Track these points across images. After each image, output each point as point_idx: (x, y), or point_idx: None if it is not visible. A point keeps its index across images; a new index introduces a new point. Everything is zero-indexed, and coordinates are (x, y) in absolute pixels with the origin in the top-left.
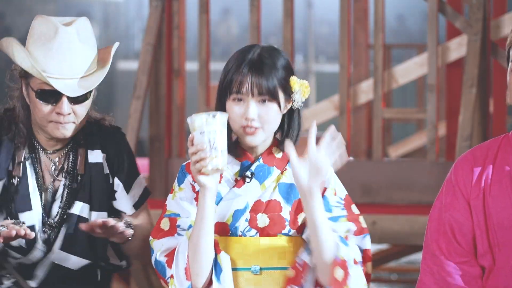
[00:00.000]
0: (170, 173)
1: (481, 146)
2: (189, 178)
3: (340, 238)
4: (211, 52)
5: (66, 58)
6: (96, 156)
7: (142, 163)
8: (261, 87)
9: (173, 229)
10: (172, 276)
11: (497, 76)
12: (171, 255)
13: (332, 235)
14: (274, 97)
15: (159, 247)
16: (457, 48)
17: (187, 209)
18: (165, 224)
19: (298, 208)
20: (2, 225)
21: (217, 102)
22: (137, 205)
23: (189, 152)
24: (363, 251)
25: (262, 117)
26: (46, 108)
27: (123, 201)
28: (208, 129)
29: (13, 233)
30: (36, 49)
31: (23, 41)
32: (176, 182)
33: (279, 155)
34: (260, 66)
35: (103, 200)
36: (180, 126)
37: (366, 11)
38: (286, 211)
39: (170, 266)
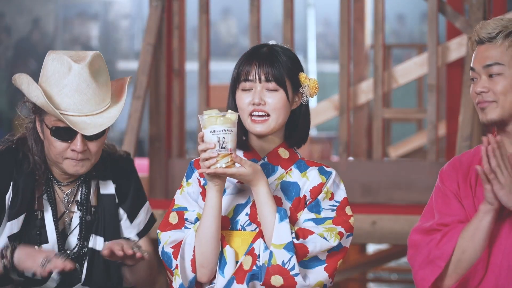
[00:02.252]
0: (170, 173)
1: (468, 152)
2: (196, 174)
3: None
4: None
5: (80, 95)
6: (108, 187)
7: (142, 163)
8: (267, 74)
9: (181, 222)
10: (177, 267)
11: None
12: (177, 246)
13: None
14: (281, 85)
15: (166, 239)
16: (457, 48)
17: (193, 203)
18: (173, 218)
19: (298, 206)
20: (46, 259)
21: (228, 96)
22: (141, 234)
23: (198, 149)
24: (342, 248)
25: (270, 104)
26: (61, 145)
27: (126, 231)
28: (218, 128)
29: (59, 268)
30: (50, 86)
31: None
32: (184, 177)
33: (285, 156)
34: (269, 56)
35: (117, 230)
36: (180, 126)
37: (366, 11)
38: (286, 207)
39: (176, 257)
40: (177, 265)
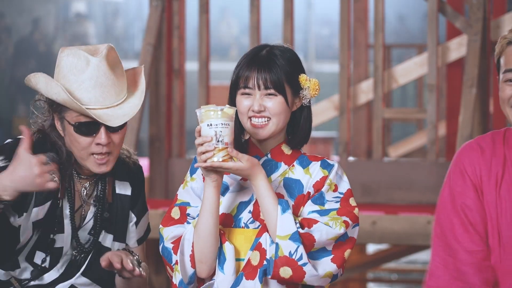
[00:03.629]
0: (170, 173)
1: (485, 138)
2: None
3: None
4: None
5: (100, 88)
6: (125, 188)
7: (142, 163)
8: (266, 81)
9: (183, 218)
10: (177, 262)
11: (497, 76)
12: (177, 242)
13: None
14: (280, 91)
15: (167, 234)
16: (457, 48)
17: (197, 198)
18: (175, 213)
19: (300, 203)
20: (52, 172)
21: (228, 98)
22: (140, 241)
23: (195, 143)
24: (349, 238)
25: (269, 109)
26: (85, 140)
27: (131, 235)
28: (215, 122)
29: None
30: (68, 82)
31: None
32: (188, 172)
33: (288, 152)
34: (266, 61)
35: (125, 231)
36: (180, 126)
37: (366, 11)
38: (289, 205)
39: (176, 253)
40: (177, 260)
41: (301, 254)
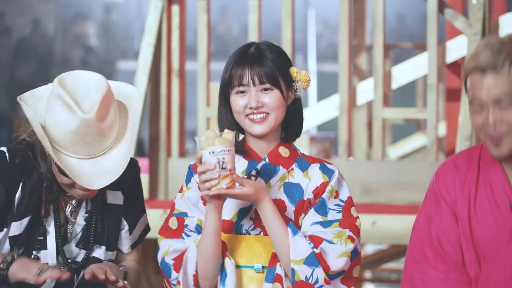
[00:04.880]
0: (170, 173)
1: (461, 154)
2: (195, 178)
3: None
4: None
5: (86, 144)
6: (117, 197)
7: (142, 163)
8: (261, 76)
9: (181, 229)
10: (179, 283)
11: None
12: (178, 259)
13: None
14: (275, 84)
15: (165, 248)
16: (457, 48)
17: (193, 208)
18: (173, 223)
19: (301, 209)
20: (40, 268)
21: (219, 99)
22: (134, 246)
23: (198, 171)
24: (358, 254)
25: (267, 104)
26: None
27: (124, 241)
28: (217, 149)
29: (55, 277)
30: (55, 129)
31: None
32: (184, 181)
33: (286, 154)
34: (258, 57)
35: (117, 240)
36: (180, 126)
37: (365, 11)
38: (290, 211)
39: (177, 270)
40: (178, 281)
41: (317, 278)
